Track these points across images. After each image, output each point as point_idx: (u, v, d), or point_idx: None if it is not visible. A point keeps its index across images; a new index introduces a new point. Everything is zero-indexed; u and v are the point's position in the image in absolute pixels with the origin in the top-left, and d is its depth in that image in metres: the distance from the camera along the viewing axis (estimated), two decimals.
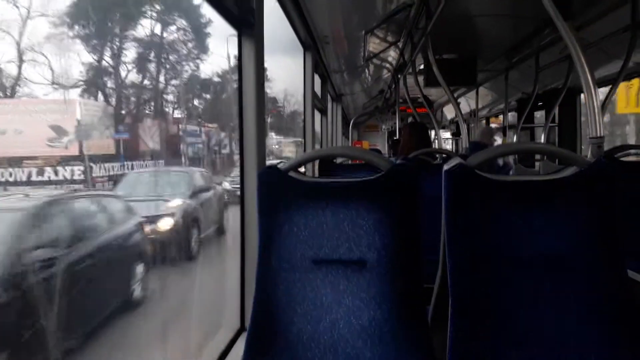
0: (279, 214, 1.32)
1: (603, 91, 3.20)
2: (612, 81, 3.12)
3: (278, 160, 1.37)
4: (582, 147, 4.83)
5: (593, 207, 1.22)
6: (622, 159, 2.48)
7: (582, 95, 4.63)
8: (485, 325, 1.23)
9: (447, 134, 9.45)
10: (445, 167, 1.29)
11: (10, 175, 4.05)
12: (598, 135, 1.35)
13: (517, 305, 1.23)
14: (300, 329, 1.29)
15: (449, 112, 8.96)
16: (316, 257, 1.30)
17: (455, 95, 5.95)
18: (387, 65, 4.95)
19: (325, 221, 1.31)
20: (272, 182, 1.34)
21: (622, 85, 4.56)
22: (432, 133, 9.38)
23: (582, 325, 1.21)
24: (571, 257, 1.22)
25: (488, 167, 1.32)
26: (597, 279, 1.21)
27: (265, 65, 1.76)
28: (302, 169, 1.39)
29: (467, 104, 6.74)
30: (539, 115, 5.46)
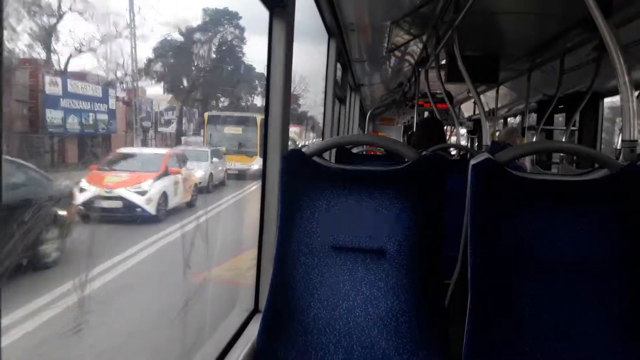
0: (301, 198, 1.32)
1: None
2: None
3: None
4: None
5: (623, 211, 1.20)
6: None
7: (606, 100, 4.55)
8: (503, 324, 1.22)
9: (462, 131, 9.37)
10: (473, 161, 1.27)
11: None
12: (632, 138, 1.33)
13: (537, 306, 1.22)
14: (317, 314, 1.29)
15: (466, 109, 8.87)
16: (336, 244, 1.30)
17: None
18: (409, 57, 4.90)
19: (348, 208, 1.30)
20: (296, 165, 1.33)
21: None
22: (448, 129, 9.32)
23: (601, 331, 1.20)
24: (595, 260, 1.21)
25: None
26: (622, 283, 1.19)
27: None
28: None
29: (485, 102, 6.67)
30: (557, 118, 5.38)
